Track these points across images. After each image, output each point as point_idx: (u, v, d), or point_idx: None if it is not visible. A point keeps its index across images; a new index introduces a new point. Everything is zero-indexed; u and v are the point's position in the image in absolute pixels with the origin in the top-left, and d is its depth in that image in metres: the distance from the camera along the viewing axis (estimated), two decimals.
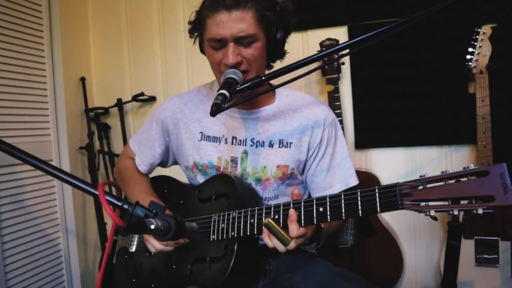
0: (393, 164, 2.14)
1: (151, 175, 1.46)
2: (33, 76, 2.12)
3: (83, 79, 2.41)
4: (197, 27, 1.18)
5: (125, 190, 1.41)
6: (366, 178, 2.02)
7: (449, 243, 1.84)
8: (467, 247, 1.84)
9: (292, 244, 0.97)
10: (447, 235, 1.85)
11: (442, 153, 2.09)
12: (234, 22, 1.07)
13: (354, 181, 1.26)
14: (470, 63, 1.81)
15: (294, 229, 0.96)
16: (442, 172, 0.79)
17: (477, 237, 1.84)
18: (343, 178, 1.26)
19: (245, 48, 1.11)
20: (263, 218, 1.04)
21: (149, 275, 1.27)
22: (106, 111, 2.47)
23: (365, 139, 2.14)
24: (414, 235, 2.14)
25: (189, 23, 1.22)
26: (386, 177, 2.07)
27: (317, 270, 1.19)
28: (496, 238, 1.81)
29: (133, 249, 1.35)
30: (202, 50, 1.25)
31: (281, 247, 0.98)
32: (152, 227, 0.76)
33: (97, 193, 0.82)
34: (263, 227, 0.98)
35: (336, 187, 1.25)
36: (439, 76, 2.01)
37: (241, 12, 1.07)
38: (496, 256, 1.80)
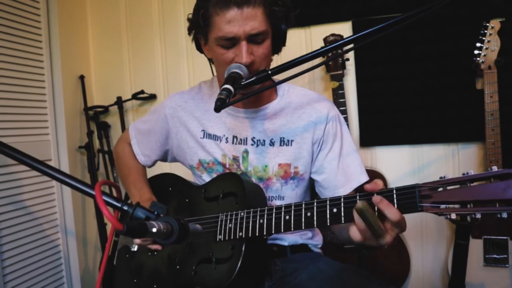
0: (398, 162, 2.10)
1: (156, 173, 1.43)
2: (31, 75, 2.08)
3: (82, 77, 2.37)
4: (201, 25, 1.11)
5: (120, 175, 1.42)
6: (372, 177, 1.95)
7: (457, 242, 1.80)
8: (476, 246, 1.81)
9: (388, 238, 0.83)
10: (454, 234, 1.82)
11: (449, 151, 2.05)
12: (246, 20, 1.03)
13: (365, 178, 1.23)
14: (478, 58, 1.77)
15: (394, 211, 0.80)
16: (463, 174, 0.76)
17: (485, 237, 1.80)
18: (355, 175, 1.22)
19: (257, 47, 1.08)
20: (273, 219, 1.00)
21: (151, 276, 1.24)
22: (105, 109, 2.44)
23: (370, 136, 2.10)
24: (421, 234, 2.10)
25: (190, 20, 1.17)
26: (392, 175, 2.04)
27: (323, 268, 1.16)
28: (506, 237, 1.77)
29: (135, 248, 1.32)
30: (200, 48, 1.22)
31: (373, 241, 0.85)
32: (154, 230, 0.71)
33: (94, 193, 0.77)
34: (355, 213, 0.82)
35: (349, 186, 1.21)
36: (445, 72, 1.97)
37: (252, 8, 1.03)
38: (506, 256, 1.76)
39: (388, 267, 1.93)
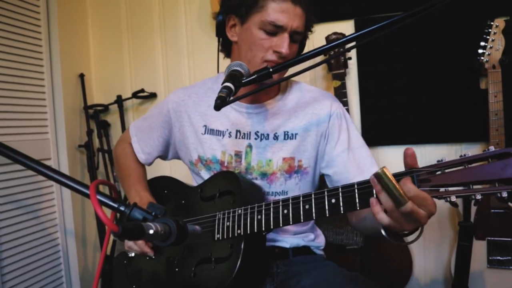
0: (401, 162, 2.06)
1: (151, 176, 1.41)
2: (31, 73, 2.07)
3: (82, 76, 2.36)
4: (250, 3, 1.12)
5: (120, 176, 1.40)
6: None
7: (460, 244, 1.78)
8: (479, 248, 1.78)
9: (409, 205, 0.75)
10: (457, 236, 1.80)
11: (452, 151, 2.02)
12: (296, 16, 1.10)
13: (376, 169, 1.19)
14: (482, 58, 1.75)
15: (412, 187, 0.75)
16: (461, 156, 0.75)
17: (489, 238, 1.77)
18: (366, 166, 1.19)
19: (292, 45, 1.14)
20: (271, 213, 0.98)
21: (150, 281, 1.22)
22: (105, 108, 2.42)
23: (373, 136, 2.08)
24: (424, 236, 2.05)
25: None
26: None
27: (327, 274, 1.14)
28: (510, 239, 1.74)
29: (133, 253, 1.30)
30: (221, 30, 1.21)
31: (398, 217, 0.79)
32: (151, 231, 0.69)
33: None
34: (374, 179, 0.78)
35: (362, 176, 1.17)
36: (449, 71, 1.95)
37: (302, 10, 1.12)
38: (510, 258, 1.74)
39: (390, 269, 1.91)
